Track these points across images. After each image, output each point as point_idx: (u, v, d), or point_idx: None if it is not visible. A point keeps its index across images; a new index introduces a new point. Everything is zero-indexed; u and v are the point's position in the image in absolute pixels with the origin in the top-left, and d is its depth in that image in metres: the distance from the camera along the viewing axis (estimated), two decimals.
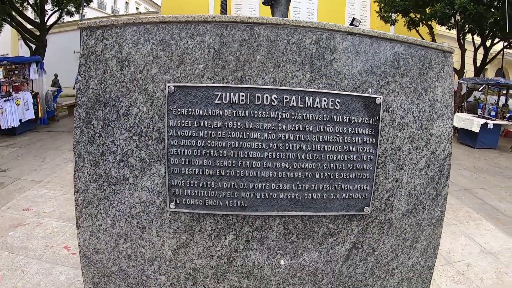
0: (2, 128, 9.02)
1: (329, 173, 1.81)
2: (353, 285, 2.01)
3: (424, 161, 1.98)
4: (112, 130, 1.78)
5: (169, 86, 1.70)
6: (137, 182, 1.81)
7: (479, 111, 13.78)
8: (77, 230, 1.92)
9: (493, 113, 13.75)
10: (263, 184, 1.78)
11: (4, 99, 9.08)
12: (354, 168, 1.84)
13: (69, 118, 12.89)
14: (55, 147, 8.38)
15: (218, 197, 1.77)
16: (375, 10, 17.04)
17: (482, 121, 11.29)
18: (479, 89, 14.54)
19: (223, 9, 8.66)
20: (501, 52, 15.84)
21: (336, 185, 1.83)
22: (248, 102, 1.71)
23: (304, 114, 1.75)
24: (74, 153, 1.85)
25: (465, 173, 8.16)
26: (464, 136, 12.12)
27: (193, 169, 1.75)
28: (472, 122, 11.47)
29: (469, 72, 17.82)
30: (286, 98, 1.72)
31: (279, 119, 1.73)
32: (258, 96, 1.71)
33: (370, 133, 1.82)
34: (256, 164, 1.75)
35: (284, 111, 1.73)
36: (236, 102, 1.70)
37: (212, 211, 1.79)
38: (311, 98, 1.74)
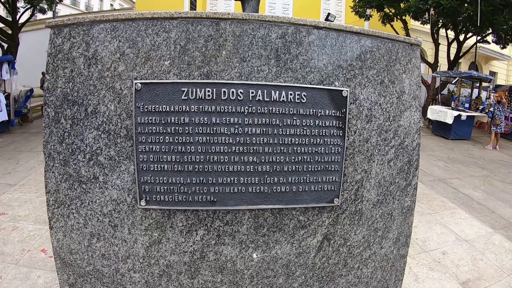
0: None
1: (297, 166, 1.83)
2: (327, 276, 2.05)
3: (393, 152, 2.02)
4: (81, 128, 1.77)
5: (136, 83, 1.69)
6: (107, 180, 1.79)
7: (453, 103, 14.14)
8: (50, 231, 1.89)
9: (467, 105, 14.14)
10: (232, 179, 1.78)
11: None
12: (322, 160, 1.86)
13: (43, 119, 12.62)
14: (29, 149, 8.19)
15: (187, 192, 1.77)
16: (350, 6, 17.24)
17: (456, 113, 11.61)
18: (453, 82, 14.91)
19: (193, 5, 8.67)
20: (474, 46, 16.21)
21: (304, 178, 1.85)
22: (214, 98, 1.71)
23: (271, 108, 1.76)
24: (44, 153, 1.82)
25: (440, 163, 8.36)
26: (438, 128, 12.43)
27: (162, 166, 1.75)
28: (446, 114, 11.78)
29: (443, 65, 18.23)
30: (252, 92, 1.73)
31: (245, 114, 1.74)
32: (224, 91, 1.71)
33: (337, 126, 1.85)
34: (223, 158, 1.76)
35: (250, 105, 1.74)
36: (203, 97, 1.70)
37: (183, 207, 1.79)
38: (277, 92, 1.75)
